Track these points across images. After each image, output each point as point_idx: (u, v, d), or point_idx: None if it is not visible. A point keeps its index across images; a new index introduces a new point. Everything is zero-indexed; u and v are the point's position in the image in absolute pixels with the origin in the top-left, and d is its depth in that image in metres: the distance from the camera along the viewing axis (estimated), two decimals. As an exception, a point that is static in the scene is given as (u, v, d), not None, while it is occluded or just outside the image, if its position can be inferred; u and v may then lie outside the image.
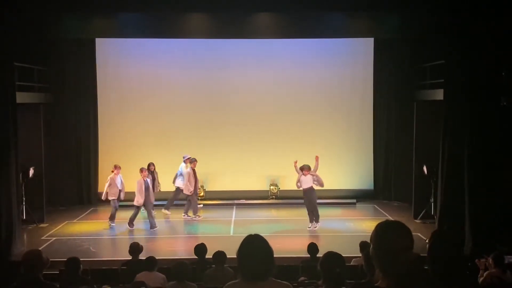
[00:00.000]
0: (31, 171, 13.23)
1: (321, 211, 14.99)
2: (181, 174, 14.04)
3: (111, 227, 13.09)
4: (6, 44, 11.25)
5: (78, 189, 15.99)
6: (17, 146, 11.51)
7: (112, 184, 13.21)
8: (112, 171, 13.44)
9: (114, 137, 16.19)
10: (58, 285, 5.17)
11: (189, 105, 16.15)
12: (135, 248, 8.81)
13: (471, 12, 10.90)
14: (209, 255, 8.65)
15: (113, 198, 13.16)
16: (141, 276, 7.42)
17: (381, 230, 2.71)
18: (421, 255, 3.75)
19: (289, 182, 15.65)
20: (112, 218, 13.19)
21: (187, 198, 13.83)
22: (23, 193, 12.86)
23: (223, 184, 15.70)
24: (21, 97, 12.47)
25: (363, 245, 8.30)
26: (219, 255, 8.06)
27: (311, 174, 12.91)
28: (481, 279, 7.26)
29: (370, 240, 2.72)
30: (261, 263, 3.46)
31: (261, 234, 3.60)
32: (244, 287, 3.48)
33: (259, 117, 16.20)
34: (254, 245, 3.50)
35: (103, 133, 16.15)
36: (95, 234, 12.83)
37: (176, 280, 7.08)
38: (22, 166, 12.31)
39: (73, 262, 7.22)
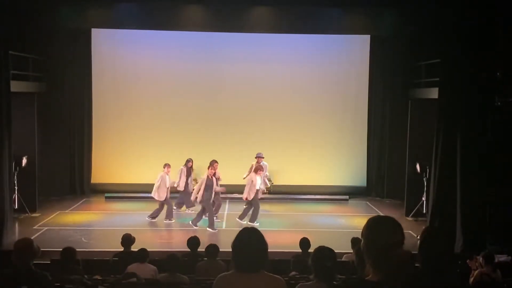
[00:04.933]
0: (24, 160, 13.20)
1: (314, 207, 15.10)
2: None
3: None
4: (1, 33, 11.20)
5: (71, 180, 15.97)
6: (10, 135, 11.47)
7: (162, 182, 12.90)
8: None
9: (108, 128, 16.15)
10: (48, 274, 5.15)
11: (184, 97, 16.12)
12: (127, 240, 8.81)
13: (467, 11, 10.92)
14: (201, 248, 8.67)
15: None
16: (132, 268, 7.42)
17: (373, 224, 2.72)
18: (412, 252, 3.78)
19: (282, 177, 15.70)
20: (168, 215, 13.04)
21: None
22: (16, 182, 12.82)
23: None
24: (16, 86, 12.42)
25: (355, 241, 8.33)
26: (212, 248, 8.09)
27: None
28: (472, 278, 7.30)
29: (362, 234, 2.74)
30: (255, 256, 3.49)
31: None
32: (237, 278, 3.51)
33: (253, 112, 16.19)
34: (249, 238, 3.54)
35: (97, 124, 16.11)
36: (87, 224, 12.83)
37: (168, 272, 7.10)
38: (15, 155, 12.26)
39: (69, 252, 7.22)
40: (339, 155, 16.45)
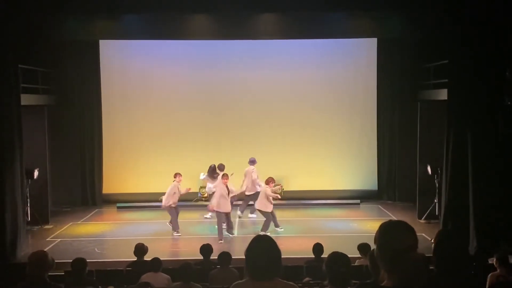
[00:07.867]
0: (36, 173, 13.26)
1: (325, 212, 15.08)
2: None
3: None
4: (10, 47, 11.29)
5: (83, 191, 16.03)
6: (22, 148, 11.54)
7: (176, 192, 12.69)
8: (174, 179, 12.86)
9: (118, 139, 16.22)
10: (63, 286, 5.17)
11: (193, 106, 16.17)
12: (140, 249, 8.83)
13: (474, 12, 10.88)
14: (213, 256, 8.68)
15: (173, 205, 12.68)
16: (146, 277, 7.44)
17: (385, 230, 2.71)
18: (426, 255, 3.76)
19: (293, 183, 15.69)
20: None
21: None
22: (28, 194, 12.88)
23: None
24: (26, 99, 12.50)
25: (362, 248, 8.32)
26: (224, 255, 8.09)
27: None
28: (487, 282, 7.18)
29: (374, 240, 2.73)
30: (269, 263, 3.49)
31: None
32: (251, 286, 3.50)
33: (262, 117, 16.20)
34: (263, 245, 3.54)
35: (107, 135, 16.19)
36: (100, 235, 12.87)
37: (181, 281, 7.10)
38: (26, 167, 12.33)
39: (80, 262, 7.24)
40: (349, 159, 16.41)
